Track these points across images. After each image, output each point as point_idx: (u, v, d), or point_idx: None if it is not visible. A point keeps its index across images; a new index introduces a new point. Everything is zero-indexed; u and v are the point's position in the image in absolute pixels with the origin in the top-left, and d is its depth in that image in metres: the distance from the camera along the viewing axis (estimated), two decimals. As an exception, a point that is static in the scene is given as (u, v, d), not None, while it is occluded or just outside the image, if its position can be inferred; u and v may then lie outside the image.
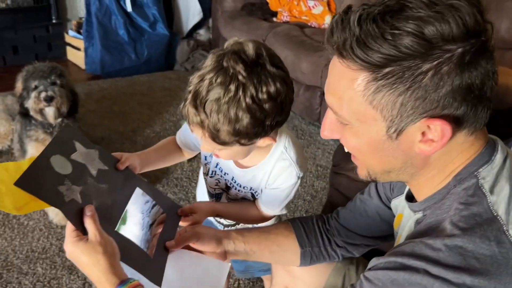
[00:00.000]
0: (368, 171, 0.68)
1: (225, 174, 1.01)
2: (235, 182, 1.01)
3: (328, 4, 3.17)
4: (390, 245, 0.88)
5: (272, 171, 0.94)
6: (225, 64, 0.76)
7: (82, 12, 3.44)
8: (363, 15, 0.56)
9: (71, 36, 3.51)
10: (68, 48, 3.58)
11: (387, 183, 0.86)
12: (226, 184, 1.04)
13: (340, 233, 0.95)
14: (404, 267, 0.56)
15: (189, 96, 0.79)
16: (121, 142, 2.47)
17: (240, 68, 0.75)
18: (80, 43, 3.35)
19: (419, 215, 0.68)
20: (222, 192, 1.07)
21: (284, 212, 1.03)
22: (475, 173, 0.61)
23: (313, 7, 3.16)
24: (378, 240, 0.93)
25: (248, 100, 0.76)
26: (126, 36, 3.24)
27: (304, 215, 1.97)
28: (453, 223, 0.57)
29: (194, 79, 0.80)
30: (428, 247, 0.56)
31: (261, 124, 0.79)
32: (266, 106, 0.78)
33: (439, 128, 0.57)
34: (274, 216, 1.06)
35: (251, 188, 1.00)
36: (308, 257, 0.94)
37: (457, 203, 0.59)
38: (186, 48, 3.53)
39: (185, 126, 1.00)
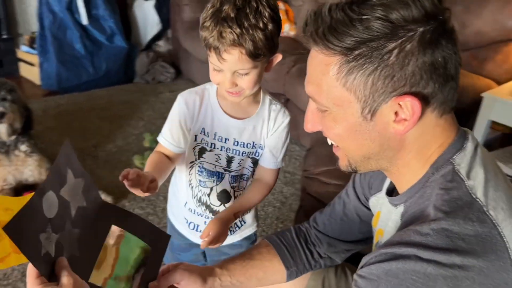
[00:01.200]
0: (349, 160, 0.69)
1: (225, 141, 1.05)
2: (237, 145, 1.05)
3: (287, 13, 3.21)
4: (370, 248, 0.89)
5: (269, 115, 1.06)
6: None
7: (34, 27, 3.32)
8: (333, 6, 0.61)
9: (23, 51, 3.37)
10: (21, 64, 3.44)
11: (365, 181, 0.87)
12: (227, 157, 1.07)
13: (322, 242, 0.94)
14: (396, 257, 0.57)
15: (216, 20, 0.89)
16: (82, 158, 2.39)
17: None
18: (34, 58, 3.23)
19: (401, 208, 0.69)
20: (224, 171, 1.08)
21: (283, 164, 1.12)
22: (450, 159, 0.63)
23: (272, 15, 3.19)
24: (359, 244, 0.93)
25: (268, 10, 0.90)
26: (82, 50, 3.15)
27: (275, 221, 1.96)
28: (436, 207, 0.59)
29: (213, 6, 0.90)
30: (416, 233, 0.58)
31: (277, 34, 0.93)
32: (277, 19, 0.93)
33: (409, 105, 0.59)
34: (276, 178, 1.13)
35: (253, 145, 1.06)
36: (294, 275, 0.94)
37: (437, 189, 0.62)
38: (145, 60, 3.47)
39: (168, 124, 1.05)
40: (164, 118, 1.08)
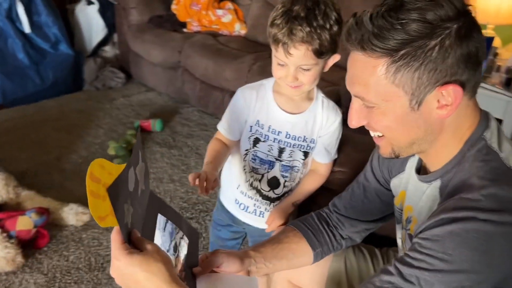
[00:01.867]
0: (393, 148, 0.78)
1: (278, 133, 1.14)
2: (288, 138, 1.14)
3: (236, 12, 3.27)
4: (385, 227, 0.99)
5: (322, 112, 1.15)
6: None
7: (-32, 37, 3.09)
8: (373, 14, 0.68)
9: (-42, 64, 3.13)
10: (-45, 78, 3.19)
11: (384, 166, 0.97)
12: (279, 148, 1.15)
13: (344, 225, 1.03)
14: (456, 219, 0.66)
15: (288, 18, 0.98)
16: (48, 172, 2.30)
17: None
18: (-28, 72, 3.02)
19: (437, 183, 0.78)
20: (275, 161, 1.17)
21: (336, 156, 1.23)
22: (482, 136, 0.74)
23: (222, 16, 3.24)
24: (379, 222, 1.03)
25: (334, 14, 1.01)
26: (26, 60, 2.99)
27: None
28: (480, 177, 0.69)
29: (283, 6, 1.00)
30: (468, 200, 0.67)
31: (339, 36, 1.01)
32: (341, 21, 1.02)
33: (451, 93, 0.69)
34: (330, 169, 1.24)
35: (304, 139, 1.14)
36: (319, 256, 1.02)
37: (476, 162, 0.72)
38: (93, 66, 3.37)
39: (227, 115, 1.18)
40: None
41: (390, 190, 0.97)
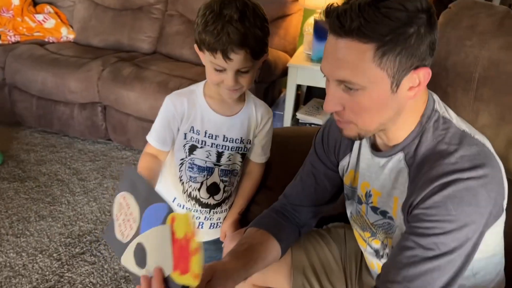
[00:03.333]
0: (359, 132, 0.82)
1: (215, 138, 1.12)
2: (226, 141, 1.12)
3: (59, 16, 2.93)
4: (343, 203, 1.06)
5: (256, 112, 1.16)
6: None
7: None
8: (361, 3, 0.72)
9: None
10: None
11: (329, 150, 1.02)
12: (217, 152, 1.12)
13: (300, 213, 1.06)
14: (446, 184, 0.75)
15: (221, 23, 0.94)
16: None
17: None
18: None
19: (399, 155, 0.86)
20: (214, 166, 1.14)
21: (269, 154, 1.24)
22: (434, 108, 0.84)
23: (43, 21, 2.86)
24: (330, 203, 1.08)
25: (261, 12, 1.00)
26: None
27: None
28: (447, 143, 0.80)
29: (212, 11, 0.96)
30: (448, 164, 0.76)
31: (268, 36, 1.02)
32: (267, 19, 1.02)
33: (422, 76, 0.77)
34: (263, 170, 1.25)
35: (241, 140, 1.14)
36: (286, 249, 1.03)
37: (438, 131, 0.82)
38: None
39: (157, 125, 1.11)
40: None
41: (338, 172, 1.03)
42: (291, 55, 2.56)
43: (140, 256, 0.72)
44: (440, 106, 0.85)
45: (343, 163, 1.00)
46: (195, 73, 2.38)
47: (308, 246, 1.12)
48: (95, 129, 2.51)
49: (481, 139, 0.82)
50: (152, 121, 1.15)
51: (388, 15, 0.71)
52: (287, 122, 2.51)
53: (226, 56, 0.96)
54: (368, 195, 0.94)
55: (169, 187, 1.18)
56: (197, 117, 1.10)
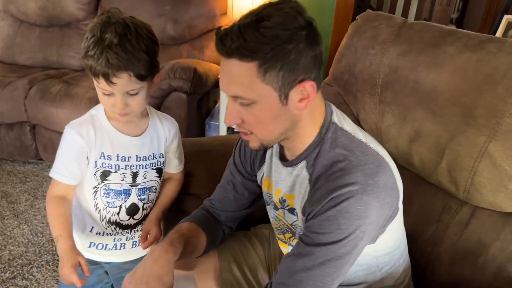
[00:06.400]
0: (262, 142, 0.88)
1: (128, 159, 1.10)
2: (139, 160, 1.12)
3: (-20, 34, 2.81)
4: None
5: (162, 125, 1.16)
6: (113, 20, 0.97)
7: None
8: (241, 25, 0.78)
9: None
10: None
11: (246, 163, 1.08)
12: (132, 173, 1.11)
13: (221, 216, 1.12)
14: (340, 199, 0.80)
15: (101, 48, 0.93)
16: None
17: (127, 20, 0.98)
18: None
19: (302, 164, 0.92)
20: (130, 187, 1.12)
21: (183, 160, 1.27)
22: (331, 120, 0.91)
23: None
24: (249, 208, 1.14)
25: (146, 32, 0.99)
26: None
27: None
28: (342, 154, 0.86)
29: (93, 36, 0.94)
30: (343, 176, 0.82)
31: (157, 54, 1.01)
32: (155, 40, 1.01)
33: (308, 88, 0.83)
34: (183, 176, 1.27)
35: (154, 156, 1.14)
36: (211, 245, 1.08)
37: (335, 142, 0.88)
38: None
39: (62, 159, 1.06)
40: None
41: (256, 181, 1.10)
42: (223, 67, 2.61)
43: None
44: (338, 117, 0.92)
45: (260, 173, 1.07)
46: (127, 88, 2.38)
47: (234, 247, 1.18)
48: (24, 149, 2.43)
49: (376, 148, 0.90)
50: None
51: (266, 35, 0.76)
52: (222, 132, 2.56)
53: (108, 81, 0.96)
54: (282, 200, 1.01)
55: (83, 219, 1.14)
56: (106, 142, 1.07)
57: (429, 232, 1.16)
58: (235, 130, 2.68)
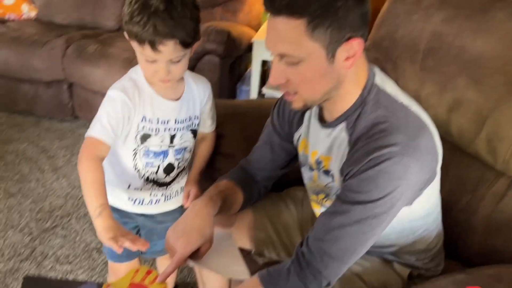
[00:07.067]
0: (306, 102, 0.89)
1: (167, 122, 1.11)
2: (177, 123, 1.13)
3: (19, -8, 2.86)
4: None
5: (197, 87, 1.17)
6: None
7: None
8: None
9: None
10: None
11: (284, 124, 1.09)
12: (170, 136, 1.13)
13: (259, 177, 1.14)
14: (380, 159, 0.80)
15: (147, 14, 0.91)
16: None
17: None
18: None
19: (342, 125, 0.93)
20: (168, 148, 1.14)
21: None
22: (374, 83, 0.91)
23: (2, -2, 2.79)
24: (285, 169, 1.16)
25: (191, 2, 0.98)
26: None
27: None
28: (384, 116, 0.85)
29: (137, 1, 0.93)
30: (384, 138, 0.82)
31: (199, 21, 1.00)
32: (197, 6, 1.00)
33: (355, 46, 0.83)
34: (216, 136, 1.29)
35: (190, 118, 1.16)
36: (247, 203, 1.11)
37: (376, 104, 0.87)
38: None
39: (105, 119, 1.02)
40: None
41: (293, 142, 1.11)
42: (256, 30, 2.59)
43: None
44: (381, 78, 0.92)
45: (297, 134, 1.08)
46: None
47: (269, 207, 1.20)
48: (61, 107, 2.51)
49: (417, 111, 0.89)
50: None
51: None
52: (253, 97, 2.56)
53: (154, 48, 0.95)
54: (318, 161, 1.02)
55: (121, 177, 1.16)
56: (147, 106, 1.08)
57: (464, 202, 1.15)
58: (265, 97, 2.68)
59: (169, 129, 1.13)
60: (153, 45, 0.94)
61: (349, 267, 0.87)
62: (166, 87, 1.09)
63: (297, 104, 0.90)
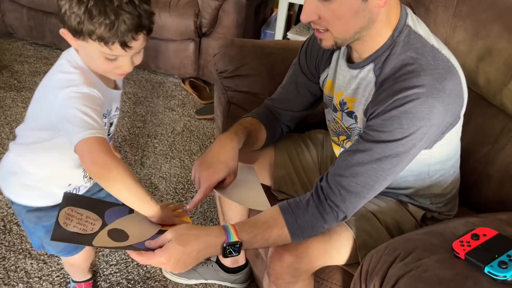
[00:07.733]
0: (336, 41, 0.89)
1: (110, 112, 1.01)
2: (116, 111, 1.05)
3: None
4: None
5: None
6: None
7: None
8: None
9: None
10: None
11: (311, 64, 1.09)
12: (109, 125, 1.04)
13: (282, 116, 1.17)
14: (405, 100, 0.82)
15: (111, 10, 0.81)
16: None
17: None
18: None
19: (370, 66, 0.93)
20: (108, 139, 0.98)
21: None
22: (406, 23, 0.90)
23: None
24: (309, 110, 1.18)
25: None
26: None
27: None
28: (412, 57, 0.86)
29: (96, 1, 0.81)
30: (411, 79, 0.83)
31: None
32: None
33: None
34: None
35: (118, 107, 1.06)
36: (269, 140, 1.15)
37: (407, 45, 0.88)
38: None
39: (91, 117, 0.86)
40: None
41: (318, 83, 1.12)
42: (284, -27, 2.52)
43: (117, 235, 0.87)
44: (412, 20, 0.91)
45: (323, 75, 1.08)
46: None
47: (290, 146, 1.24)
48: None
49: (447, 54, 0.89)
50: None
51: None
52: (278, 41, 2.54)
53: (125, 46, 0.85)
54: (342, 103, 1.03)
55: (62, 178, 1.05)
56: (103, 98, 0.93)
57: (483, 151, 1.17)
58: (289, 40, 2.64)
59: (109, 118, 1.04)
60: (124, 44, 0.85)
61: (365, 204, 0.91)
62: (119, 79, 1.00)
63: (327, 43, 0.90)
